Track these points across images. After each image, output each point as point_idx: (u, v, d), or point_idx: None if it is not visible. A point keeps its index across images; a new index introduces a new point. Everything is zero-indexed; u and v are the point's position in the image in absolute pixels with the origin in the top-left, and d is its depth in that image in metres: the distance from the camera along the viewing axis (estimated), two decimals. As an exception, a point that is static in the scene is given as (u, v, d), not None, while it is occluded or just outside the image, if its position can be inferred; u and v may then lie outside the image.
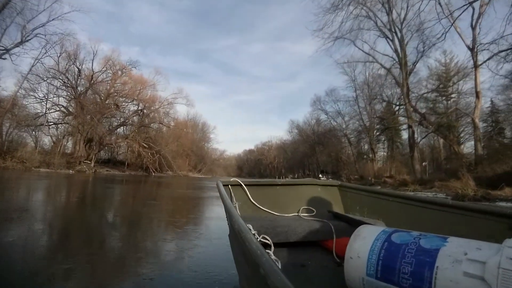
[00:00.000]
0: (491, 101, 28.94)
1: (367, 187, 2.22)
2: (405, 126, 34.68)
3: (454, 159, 21.27)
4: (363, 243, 1.05)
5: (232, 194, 2.07)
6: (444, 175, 20.47)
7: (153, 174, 37.38)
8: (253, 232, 1.37)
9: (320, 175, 57.87)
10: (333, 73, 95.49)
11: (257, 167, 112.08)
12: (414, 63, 25.05)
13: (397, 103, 26.66)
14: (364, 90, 39.98)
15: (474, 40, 19.54)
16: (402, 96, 28.16)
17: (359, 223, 1.55)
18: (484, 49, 18.72)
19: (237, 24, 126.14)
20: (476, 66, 19.40)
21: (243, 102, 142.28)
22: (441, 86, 26.02)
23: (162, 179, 23.65)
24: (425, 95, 28.52)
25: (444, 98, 30.21)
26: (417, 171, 24.93)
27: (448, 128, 25.80)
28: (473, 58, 19.63)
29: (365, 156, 45.26)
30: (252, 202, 2.10)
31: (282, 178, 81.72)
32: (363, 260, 1.01)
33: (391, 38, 26.19)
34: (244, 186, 2.14)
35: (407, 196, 1.79)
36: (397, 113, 26.47)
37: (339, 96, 44.42)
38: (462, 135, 29.50)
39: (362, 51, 27.40)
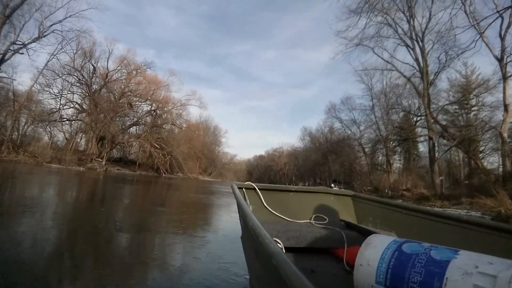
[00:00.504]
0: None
1: (380, 199, 2.15)
2: (422, 138, 33.68)
3: (476, 175, 20.06)
4: (374, 251, 1.05)
5: (246, 197, 2.05)
6: (466, 191, 19.34)
7: (164, 175, 37.09)
8: None
9: (332, 185, 56.78)
10: (347, 82, 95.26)
11: (267, 173, 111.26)
12: (436, 73, 24.08)
13: (418, 114, 25.56)
14: (381, 100, 39.01)
15: (503, 50, 18.55)
16: (421, 107, 27.17)
17: (371, 233, 1.52)
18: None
19: (252, 30, 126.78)
20: (505, 78, 18.36)
21: (255, 108, 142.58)
22: (462, 98, 24.84)
23: (172, 180, 23.21)
24: (445, 107, 27.44)
25: (464, 111, 28.89)
26: (436, 186, 23.78)
27: (469, 143, 24.63)
28: (501, 69, 18.60)
29: (379, 167, 44.01)
30: (265, 206, 2.09)
31: (293, 185, 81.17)
32: (373, 268, 1.02)
33: (411, 46, 25.30)
34: (258, 190, 2.12)
35: (421, 209, 1.75)
36: (416, 124, 25.32)
37: (354, 105, 43.49)
38: (482, 149, 28.17)
39: (382, 58, 26.58)
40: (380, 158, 44.30)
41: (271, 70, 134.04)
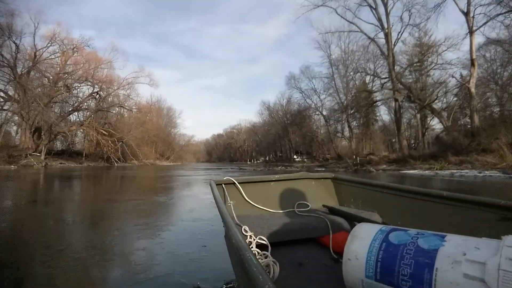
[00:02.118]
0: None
1: (361, 179, 2.11)
2: (381, 102, 33.91)
3: (447, 132, 20.20)
4: (361, 244, 1.05)
5: (226, 194, 2.02)
6: (438, 149, 19.41)
7: (116, 164, 33.43)
8: (249, 234, 1.47)
9: (294, 156, 56.99)
10: (299, 55, 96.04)
11: (227, 152, 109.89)
12: (400, 33, 23.51)
13: (382, 76, 25.11)
14: (340, 67, 38.54)
15: (468, 4, 18.19)
16: (382, 69, 26.78)
17: (354, 217, 1.68)
18: (480, 13, 17.46)
19: (196, 6, 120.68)
20: (471, 32, 18.11)
21: (208, 86, 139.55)
22: (423, 58, 24.74)
23: (126, 170, 20.20)
24: (403, 69, 27.33)
25: (424, 71, 29.12)
26: (404, 148, 23.90)
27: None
28: (468, 23, 18.32)
29: (339, 135, 44.45)
30: (246, 200, 2.07)
31: (254, 161, 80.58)
32: (361, 262, 1.01)
33: (374, 6, 24.41)
34: (238, 184, 2.09)
35: (401, 188, 1.73)
36: (383, 86, 24.88)
37: (313, 74, 42.61)
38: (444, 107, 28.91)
39: (345, 19, 25.41)
40: (338, 126, 44.60)
41: (221, 47, 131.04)
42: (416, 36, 27.96)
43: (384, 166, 14.74)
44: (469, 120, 25.81)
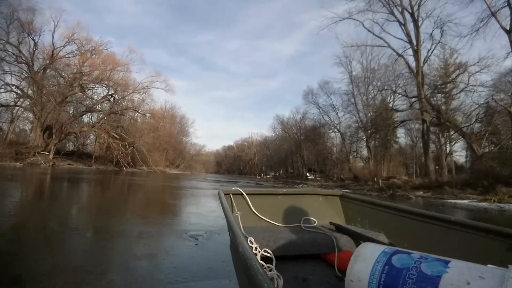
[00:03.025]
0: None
1: (368, 199, 2.09)
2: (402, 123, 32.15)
3: (480, 161, 18.40)
4: (364, 266, 1.04)
5: (234, 204, 2.01)
6: (470, 177, 17.62)
7: (125, 169, 32.40)
8: (255, 246, 1.47)
9: (307, 174, 55.17)
10: (313, 73, 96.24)
11: (236, 164, 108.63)
12: (430, 50, 22.13)
13: (410, 96, 23.59)
14: (360, 84, 37.20)
15: (512, 21, 16.77)
16: (408, 88, 25.21)
17: (360, 236, 1.67)
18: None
19: (216, 20, 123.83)
20: (516, 51, 16.61)
21: (221, 98, 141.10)
22: (454, 79, 23.16)
23: (134, 177, 18.87)
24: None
25: (450, 94, 27.35)
26: (431, 172, 22.08)
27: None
28: (510, 41, 16.85)
29: (356, 155, 42.65)
30: (253, 212, 2.05)
31: (263, 175, 78.89)
32: (363, 284, 1.00)
33: (403, 22, 23.21)
34: (246, 195, 2.07)
35: (408, 210, 1.72)
36: (412, 105, 23.29)
37: (332, 90, 41.37)
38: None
39: (372, 33, 24.24)
40: (353, 146, 42.82)
41: (237, 61, 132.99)
42: (441, 57, 26.61)
43: (421, 192, 13.13)
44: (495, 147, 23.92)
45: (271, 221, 2.03)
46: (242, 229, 1.62)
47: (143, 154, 36.53)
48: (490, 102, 18.31)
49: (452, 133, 25.44)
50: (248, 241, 1.47)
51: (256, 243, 1.48)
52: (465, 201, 10.73)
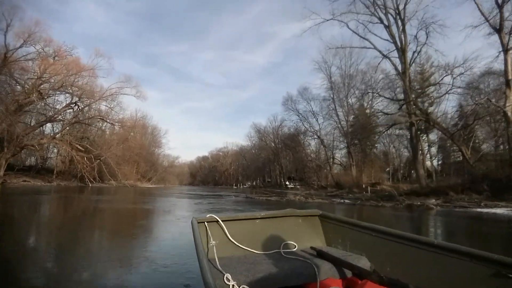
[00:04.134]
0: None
1: (348, 219, 2.04)
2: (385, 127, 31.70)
3: (472, 164, 17.80)
4: None
5: (209, 233, 1.88)
6: (465, 180, 16.89)
7: (90, 185, 29.16)
8: (232, 284, 1.38)
9: (287, 183, 53.85)
10: (287, 83, 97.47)
11: (212, 175, 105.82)
12: (417, 52, 21.63)
13: (397, 99, 22.91)
14: (340, 89, 36.70)
15: (501, 20, 16.45)
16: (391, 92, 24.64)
17: (342, 262, 1.60)
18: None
19: (187, 30, 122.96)
20: (506, 50, 16.24)
21: (195, 109, 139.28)
22: (440, 81, 22.83)
23: (100, 196, 15.76)
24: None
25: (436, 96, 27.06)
26: (421, 177, 21.33)
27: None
28: (501, 41, 16.49)
29: (333, 162, 41.88)
30: (230, 240, 1.93)
31: (240, 186, 76.81)
32: None
33: (387, 23, 22.69)
34: (222, 223, 1.96)
35: (389, 231, 1.69)
36: (401, 107, 22.58)
37: (312, 96, 40.58)
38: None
39: (357, 34, 23.54)
40: (335, 152, 42.16)
41: (210, 71, 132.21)
42: (425, 59, 26.48)
43: (433, 200, 11.88)
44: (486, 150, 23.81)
45: (249, 249, 1.92)
46: (218, 263, 1.57)
47: (111, 167, 33.39)
48: (479, 102, 17.76)
49: (436, 137, 25.01)
50: (225, 278, 1.39)
51: (234, 280, 1.39)
52: (500, 210, 9.45)
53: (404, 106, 21.91)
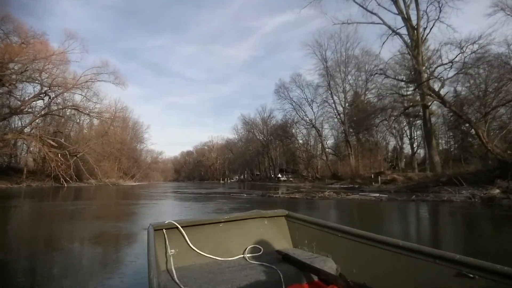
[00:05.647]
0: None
1: (315, 219, 1.95)
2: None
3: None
4: None
5: (167, 241, 1.70)
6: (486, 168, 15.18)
7: (66, 185, 25.88)
8: None
9: (279, 175, 51.81)
10: (268, 77, 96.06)
11: (197, 170, 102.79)
12: (429, 28, 19.67)
13: (406, 80, 21.00)
14: (336, 73, 34.71)
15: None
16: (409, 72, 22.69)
17: (308, 267, 1.54)
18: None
19: (167, 24, 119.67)
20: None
21: (177, 104, 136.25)
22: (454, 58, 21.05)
23: (76, 201, 12.15)
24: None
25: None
26: (437, 164, 19.58)
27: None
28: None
29: (336, 153, 40.07)
30: (191, 248, 1.78)
31: (227, 180, 74.14)
32: None
33: (395, -3, 20.65)
34: (182, 229, 1.79)
35: (356, 233, 1.63)
36: (415, 90, 20.61)
37: (306, 83, 38.43)
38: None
39: (365, 9, 21.37)
40: (327, 143, 40.38)
41: (192, 66, 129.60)
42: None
43: (497, 191, 9.87)
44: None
45: (212, 256, 1.79)
46: (175, 275, 1.46)
47: (90, 164, 30.12)
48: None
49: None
50: None
51: None
52: None
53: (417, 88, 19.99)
